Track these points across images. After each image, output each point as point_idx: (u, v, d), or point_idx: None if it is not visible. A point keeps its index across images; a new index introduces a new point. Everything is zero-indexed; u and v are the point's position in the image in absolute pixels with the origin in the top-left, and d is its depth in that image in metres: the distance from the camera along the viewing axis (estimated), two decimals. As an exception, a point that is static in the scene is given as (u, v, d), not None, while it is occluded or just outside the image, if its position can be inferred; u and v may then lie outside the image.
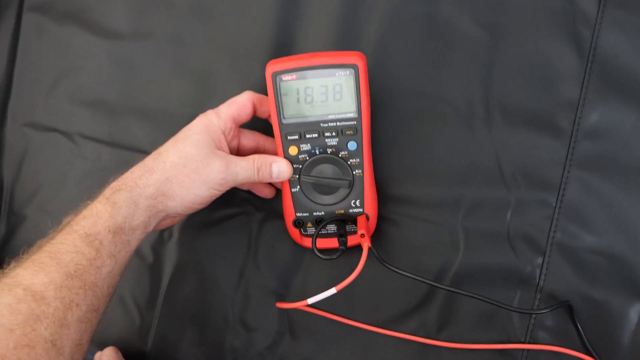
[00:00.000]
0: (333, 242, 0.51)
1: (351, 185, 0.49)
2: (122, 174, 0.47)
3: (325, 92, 0.46)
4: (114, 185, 0.45)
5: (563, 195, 0.52)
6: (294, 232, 0.52)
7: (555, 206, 0.52)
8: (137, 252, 0.58)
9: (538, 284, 0.52)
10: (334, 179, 0.49)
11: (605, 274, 0.51)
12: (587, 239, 0.51)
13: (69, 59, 0.62)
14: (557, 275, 0.51)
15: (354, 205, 0.50)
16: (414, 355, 0.53)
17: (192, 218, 0.58)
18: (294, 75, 0.46)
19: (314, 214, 0.51)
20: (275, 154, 0.50)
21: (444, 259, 0.53)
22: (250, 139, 0.52)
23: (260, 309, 0.56)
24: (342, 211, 0.50)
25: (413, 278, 0.48)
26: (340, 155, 0.48)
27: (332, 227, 0.51)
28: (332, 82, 0.46)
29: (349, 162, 0.49)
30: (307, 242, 0.52)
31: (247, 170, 0.47)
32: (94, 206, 0.43)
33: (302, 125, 0.48)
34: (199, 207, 0.48)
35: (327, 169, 0.49)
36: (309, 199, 0.50)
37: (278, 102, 0.47)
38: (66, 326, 0.37)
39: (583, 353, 0.49)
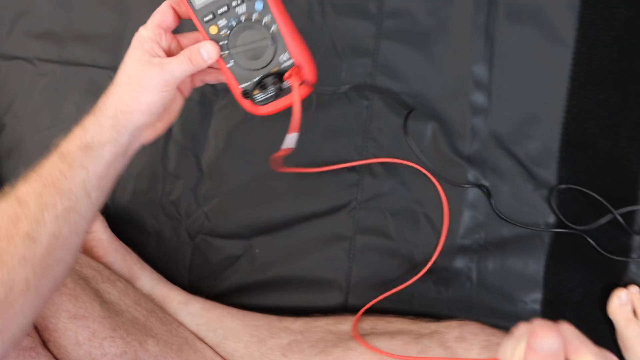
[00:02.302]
0: (285, 103, 0.53)
1: (274, 42, 0.51)
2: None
3: None
4: (87, 115, 0.52)
5: (377, 57, 0.76)
6: (246, 104, 0.55)
7: (373, 65, 0.76)
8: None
9: (368, 112, 0.76)
10: (257, 41, 0.51)
11: (410, 105, 0.75)
12: (396, 85, 0.76)
13: (21, 2, 0.84)
14: (379, 109, 0.76)
15: (283, 60, 0.52)
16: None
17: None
18: None
19: (255, 80, 0.53)
20: None
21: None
22: (189, 38, 0.54)
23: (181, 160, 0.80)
24: (276, 69, 0.52)
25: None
26: (253, 19, 0.50)
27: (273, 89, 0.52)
28: None
29: (263, 22, 0.50)
30: (262, 110, 0.54)
31: (180, 64, 0.50)
32: (73, 130, 0.51)
33: (212, 4, 0.50)
34: (161, 110, 0.52)
35: (249, 35, 0.51)
36: (245, 68, 0.52)
37: None
38: (42, 222, 0.47)
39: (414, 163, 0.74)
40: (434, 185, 0.75)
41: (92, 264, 0.68)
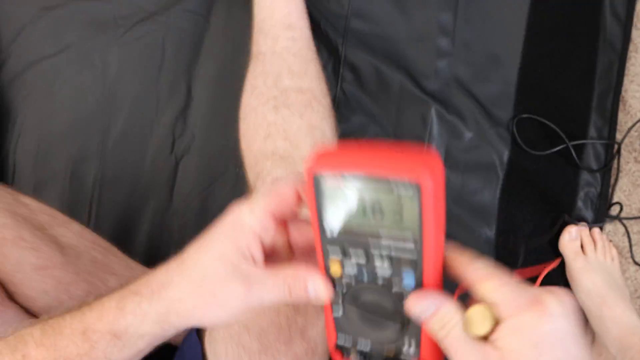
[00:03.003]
0: None
1: (405, 331, 0.38)
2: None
3: (380, 209, 0.34)
4: (133, 287, 0.39)
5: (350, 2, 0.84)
6: (336, 356, 0.41)
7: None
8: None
9: (343, 54, 0.83)
10: (384, 314, 0.38)
11: (380, 46, 0.83)
12: (367, 27, 0.83)
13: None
14: (354, 45, 0.83)
15: (407, 348, 0.38)
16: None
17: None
18: (340, 181, 0.34)
19: (359, 346, 0.40)
20: None
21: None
22: (303, 234, 0.39)
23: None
24: (393, 352, 0.39)
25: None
26: (393, 291, 0.36)
27: None
28: (388, 199, 0.33)
29: (402, 301, 0.36)
30: None
31: (275, 293, 0.37)
32: (105, 301, 0.40)
33: (348, 243, 0.36)
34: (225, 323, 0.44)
35: (377, 303, 0.37)
36: (354, 329, 0.39)
37: (320, 209, 0.35)
38: None
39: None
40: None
41: (45, 208, 0.65)
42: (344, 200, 0.34)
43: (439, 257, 0.35)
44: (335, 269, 0.37)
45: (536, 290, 0.33)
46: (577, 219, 0.81)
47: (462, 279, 0.35)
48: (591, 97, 0.81)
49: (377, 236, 0.35)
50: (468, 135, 0.81)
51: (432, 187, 0.32)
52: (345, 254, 0.36)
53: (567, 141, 0.80)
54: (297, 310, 0.57)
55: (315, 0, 0.82)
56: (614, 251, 0.80)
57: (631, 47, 0.83)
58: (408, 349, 0.38)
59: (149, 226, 0.81)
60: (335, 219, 0.35)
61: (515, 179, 0.82)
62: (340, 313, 0.39)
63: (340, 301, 0.38)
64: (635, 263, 0.82)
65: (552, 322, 0.31)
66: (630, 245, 0.82)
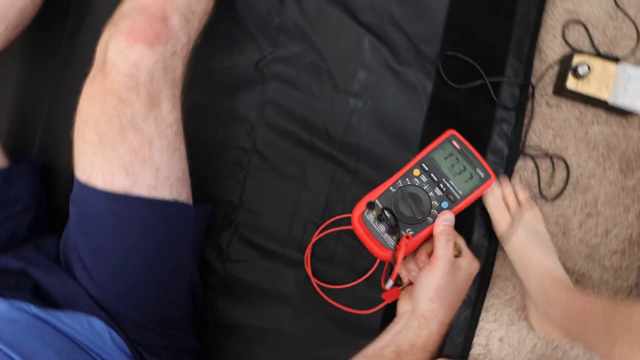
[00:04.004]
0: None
1: (419, 220, 0.74)
2: None
3: (460, 172, 0.77)
4: None
5: None
6: (357, 212, 0.74)
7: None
8: None
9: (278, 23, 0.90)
10: (417, 206, 0.74)
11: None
12: None
13: None
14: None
15: (409, 231, 0.74)
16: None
17: None
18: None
19: (384, 208, 0.73)
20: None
21: None
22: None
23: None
24: (395, 230, 0.72)
25: None
26: (432, 201, 0.75)
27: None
28: (467, 175, 0.78)
29: (432, 209, 0.74)
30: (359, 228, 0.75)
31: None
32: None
33: (431, 169, 0.77)
34: None
35: (422, 197, 0.75)
36: (393, 201, 0.74)
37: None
38: None
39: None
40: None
41: None
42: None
43: (459, 211, 0.74)
44: (417, 172, 0.75)
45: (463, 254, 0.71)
46: (493, 152, 0.89)
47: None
48: (509, 41, 0.89)
49: (449, 179, 0.75)
50: (396, 66, 0.88)
51: (492, 181, 0.76)
52: (426, 172, 0.74)
53: (485, 77, 0.88)
54: (121, 101, 0.62)
55: None
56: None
57: (549, 1, 0.91)
58: (408, 231, 0.72)
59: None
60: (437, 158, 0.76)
61: (438, 111, 0.89)
62: (393, 190, 0.73)
63: (400, 184, 0.73)
64: (542, 197, 0.90)
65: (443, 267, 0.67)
66: (539, 181, 0.90)
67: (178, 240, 0.72)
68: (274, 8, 0.89)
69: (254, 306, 0.88)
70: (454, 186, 0.75)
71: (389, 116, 0.88)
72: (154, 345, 0.72)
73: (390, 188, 0.74)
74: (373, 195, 0.74)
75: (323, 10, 0.89)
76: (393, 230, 0.71)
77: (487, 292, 0.88)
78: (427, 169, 0.75)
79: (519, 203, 0.85)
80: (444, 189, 0.74)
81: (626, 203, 0.88)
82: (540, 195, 0.90)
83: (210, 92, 0.89)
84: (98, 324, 0.66)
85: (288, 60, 0.89)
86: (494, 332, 0.88)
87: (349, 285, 0.85)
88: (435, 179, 0.74)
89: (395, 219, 0.72)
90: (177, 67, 0.67)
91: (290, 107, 0.89)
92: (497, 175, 0.82)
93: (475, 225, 0.87)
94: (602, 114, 0.90)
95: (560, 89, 0.89)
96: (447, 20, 0.90)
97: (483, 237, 0.87)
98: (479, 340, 0.88)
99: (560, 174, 0.90)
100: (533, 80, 0.91)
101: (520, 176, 0.90)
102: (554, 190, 0.90)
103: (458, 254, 0.71)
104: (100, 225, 0.67)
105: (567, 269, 0.87)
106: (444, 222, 0.70)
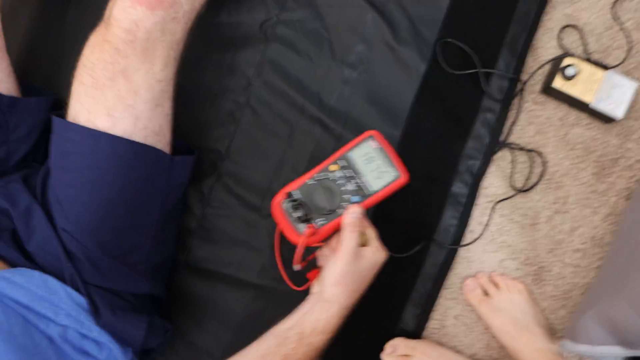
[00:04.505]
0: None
1: (331, 211, 0.77)
2: None
3: (375, 167, 0.79)
4: None
5: None
6: (276, 202, 0.78)
7: None
8: None
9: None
10: (330, 198, 0.78)
11: None
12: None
13: None
14: None
15: (320, 221, 0.77)
16: None
17: None
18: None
19: (300, 199, 0.77)
20: None
21: None
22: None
23: None
24: (309, 216, 0.77)
25: None
26: (343, 195, 0.78)
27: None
28: (380, 168, 0.80)
29: (343, 202, 0.77)
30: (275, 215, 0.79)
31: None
32: None
33: (349, 164, 0.80)
34: None
35: (335, 190, 0.78)
36: (308, 193, 0.78)
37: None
38: None
39: None
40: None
41: None
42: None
43: (369, 206, 0.77)
44: (333, 167, 0.78)
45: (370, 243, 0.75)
46: (475, 138, 0.92)
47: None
48: (505, 36, 0.93)
49: (362, 175, 0.78)
50: (394, 44, 0.92)
51: (405, 181, 0.78)
52: (342, 168, 0.78)
53: (479, 66, 0.91)
54: (118, 51, 0.68)
55: None
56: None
57: (550, 3, 0.95)
58: (320, 221, 0.76)
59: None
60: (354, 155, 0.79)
61: (427, 91, 0.92)
62: (310, 182, 0.77)
63: (317, 178, 0.77)
64: (514, 188, 0.93)
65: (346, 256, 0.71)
66: (512, 173, 0.93)
67: (149, 183, 0.77)
68: (285, -27, 0.93)
69: (225, 254, 0.92)
70: (366, 182, 0.78)
71: (380, 90, 0.92)
72: (114, 290, 0.76)
73: (308, 181, 0.78)
74: (293, 186, 0.78)
75: (331, -18, 0.92)
76: (303, 219, 0.76)
77: (450, 271, 0.91)
78: (343, 165, 0.78)
79: (496, 285, 0.89)
80: (357, 184, 0.78)
81: (595, 205, 0.92)
82: (510, 186, 0.93)
83: (214, 44, 0.93)
84: (52, 282, 0.72)
85: (292, 24, 0.93)
86: (450, 310, 0.91)
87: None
88: (350, 175, 0.78)
89: (308, 209, 0.77)
90: (177, 31, 0.73)
91: (287, 69, 0.92)
92: (408, 175, 0.83)
93: (445, 208, 0.91)
94: (584, 118, 0.93)
95: (547, 88, 0.92)
96: (449, 7, 0.93)
97: (451, 217, 0.91)
98: (435, 315, 0.91)
99: (536, 169, 0.93)
100: (523, 77, 0.94)
101: (497, 165, 0.93)
102: (529, 183, 0.93)
103: (365, 244, 0.75)
104: (78, 160, 0.72)
105: (529, 260, 0.90)
106: (352, 214, 0.74)
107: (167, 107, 0.76)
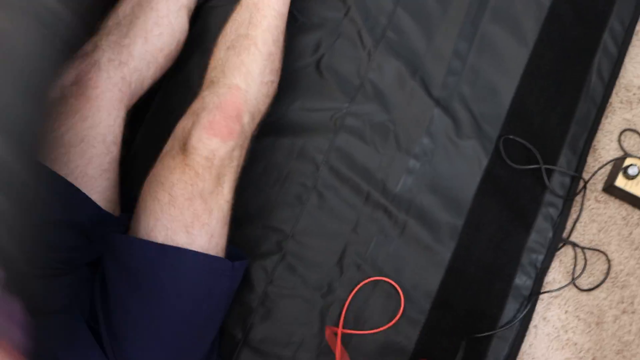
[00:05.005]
0: None
1: None
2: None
3: None
4: None
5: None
6: None
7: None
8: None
9: (374, 59, 1.01)
10: None
11: (405, 54, 1.01)
12: (398, 38, 1.02)
13: None
14: (385, 51, 1.01)
15: None
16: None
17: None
18: None
19: None
20: None
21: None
22: None
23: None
24: None
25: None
26: None
27: None
28: None
29: None
30: None
31: None
32: None
33: None
34: None
35: None
36: None
37: None
38: None
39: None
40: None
41: None
42: None
43: None
44: None
45: None
46: (538, 231, 0.93)
47: None
48: (566, 135, 0.96)
49: None
50: (457, 140, 0.96)
51: None
52: None
53: (541, 163, 0.94)
54: (197, 175, 0.75)
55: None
56: None
57: (609, 108, 0.99)
58: None
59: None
60: None
61: (489, 184, 0.95)
62: None
63: None
64: (575, 286, 0.92)
65: None
66: (574, 270, 0.93)
67: (224, 294, 0.81)
68: (360, 70, 1.00)
69: (285, 334, 0.92)
70: None
71: (443, 181, 0.95)
72: None
73: None
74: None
75: (401, 80, 0.99)
76: None
77: None
78: None
79: None
80: None
81: (663, 307, 0.90)
82: (573, 285, 0.92)
83: (287, 130, 0.99)
84: None
85: (360, 116, 0.99)
86: None
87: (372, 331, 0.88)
88: None
89: None
90: (241, 156, 0.80)
91: (354, 157, 0.97)
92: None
93: (508, 300, 0.90)
94: (648, 218, 0.94)
95: (610, 187, 0.94)
96: (511, 106, 0.98)
97: (514, 309, 0.90)
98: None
99: (600, 267, 0.92)
100: (585, 175, 0.96)
101: (560, 260, 0.93)
102: (592, 280, 0.92)
103: None
104: (150, 276, 0.76)
105: (595, 360, 0.87)
106: None
107: (228, 227, 0.81)
